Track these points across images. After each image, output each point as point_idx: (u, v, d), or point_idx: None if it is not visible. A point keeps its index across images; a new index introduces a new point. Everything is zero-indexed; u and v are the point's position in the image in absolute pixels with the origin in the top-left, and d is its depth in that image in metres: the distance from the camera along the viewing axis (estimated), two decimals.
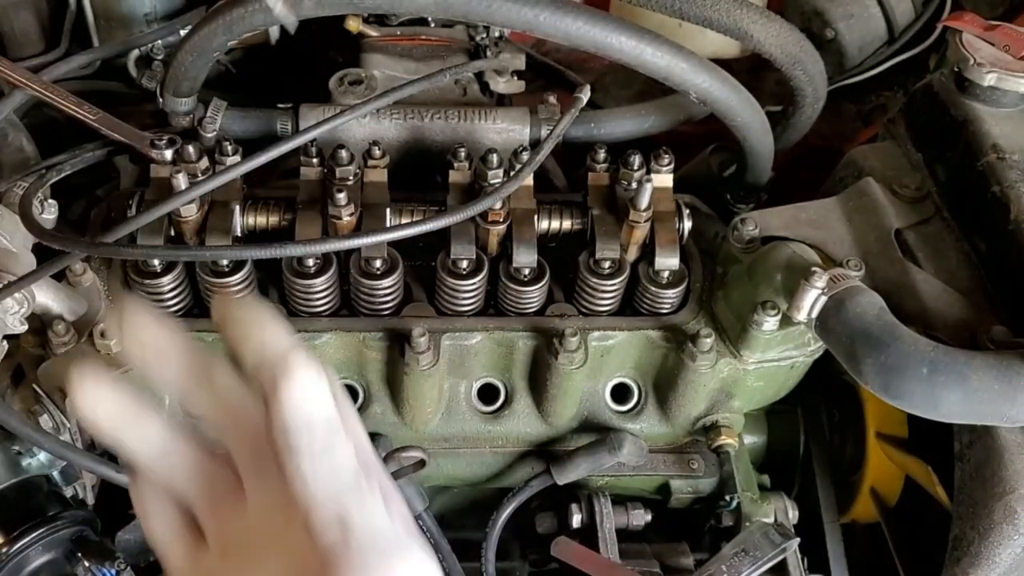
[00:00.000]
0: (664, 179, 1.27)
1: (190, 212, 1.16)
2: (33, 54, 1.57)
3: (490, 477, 1.34)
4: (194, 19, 1.51)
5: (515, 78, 1.50)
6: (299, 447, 0.62)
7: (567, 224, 1.27)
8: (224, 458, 0.68)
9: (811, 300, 1.07)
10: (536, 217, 1.24)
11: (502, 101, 1.55)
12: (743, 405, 1.31)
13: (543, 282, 1.22)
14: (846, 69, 1.90)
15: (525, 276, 1.22)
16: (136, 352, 0.67)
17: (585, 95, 1.28)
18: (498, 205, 1.18)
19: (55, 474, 1.18)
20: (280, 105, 1.37)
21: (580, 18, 1.11)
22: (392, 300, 1.22)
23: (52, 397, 1.11)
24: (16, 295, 1.07)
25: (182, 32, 1.50)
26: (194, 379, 0.67)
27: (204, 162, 1.20)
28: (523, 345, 1.23)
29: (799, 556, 1.22)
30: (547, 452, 1.32)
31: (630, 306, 1.29)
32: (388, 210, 1.21)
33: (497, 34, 1.56)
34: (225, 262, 1.17)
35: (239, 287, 1.19)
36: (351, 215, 1.17)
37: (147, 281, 1.17)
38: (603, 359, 1.25)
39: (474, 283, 1.21)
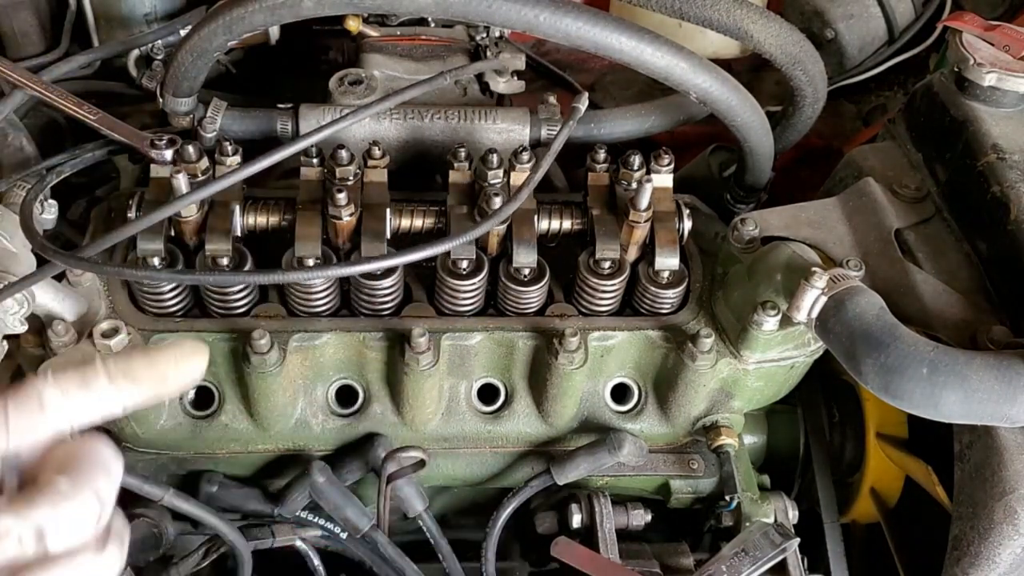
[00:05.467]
0: (664, 179, 1.27)
1: (190, 213, 1.16)
2: (33, 54, 1.57)
3: (490, 477, 1.34)
4: (194, 19, 1.51)
5: (515, 78, 1.50)
6: None
7: (567, 224, 1.27)
8: None
9: (811, 300, 1.07)
10: (536, 217, 1.24)
11: (502, 101, 1.55)
12: (743, 405, 1.30)
13: (543, 282, 1.22)
14: (846, 69, 1.90)
15: (525, 276, 1.22)
16: None
17: (583, 104, 1.28)
18: (498, 205, 1.18)
19: None
20: (280, 105, 1.36)
21: (580, 18, 1.11)
22: (392, 300, 1.22)
23: None
24: (16, 295, 1.07)
25: (182, 32, 1.50)
26: None
27: (204, 162, 1.20)
28: (523, 345, 1.23)
29: (799, 556, 1.22)
30: (547, 452, 1.32)
31: (630, 306, 1.29)
32: (388, 210, 1.21)
33: (497, 34, 1.56)
34: (225, 261, 1.18)
35: (239, 287, 1.18)
36: (351, 215, 1.17)
37: (147, 281, 1.17)
38: (603, 359, 1.25)
39: (474, 283, 1.21)
